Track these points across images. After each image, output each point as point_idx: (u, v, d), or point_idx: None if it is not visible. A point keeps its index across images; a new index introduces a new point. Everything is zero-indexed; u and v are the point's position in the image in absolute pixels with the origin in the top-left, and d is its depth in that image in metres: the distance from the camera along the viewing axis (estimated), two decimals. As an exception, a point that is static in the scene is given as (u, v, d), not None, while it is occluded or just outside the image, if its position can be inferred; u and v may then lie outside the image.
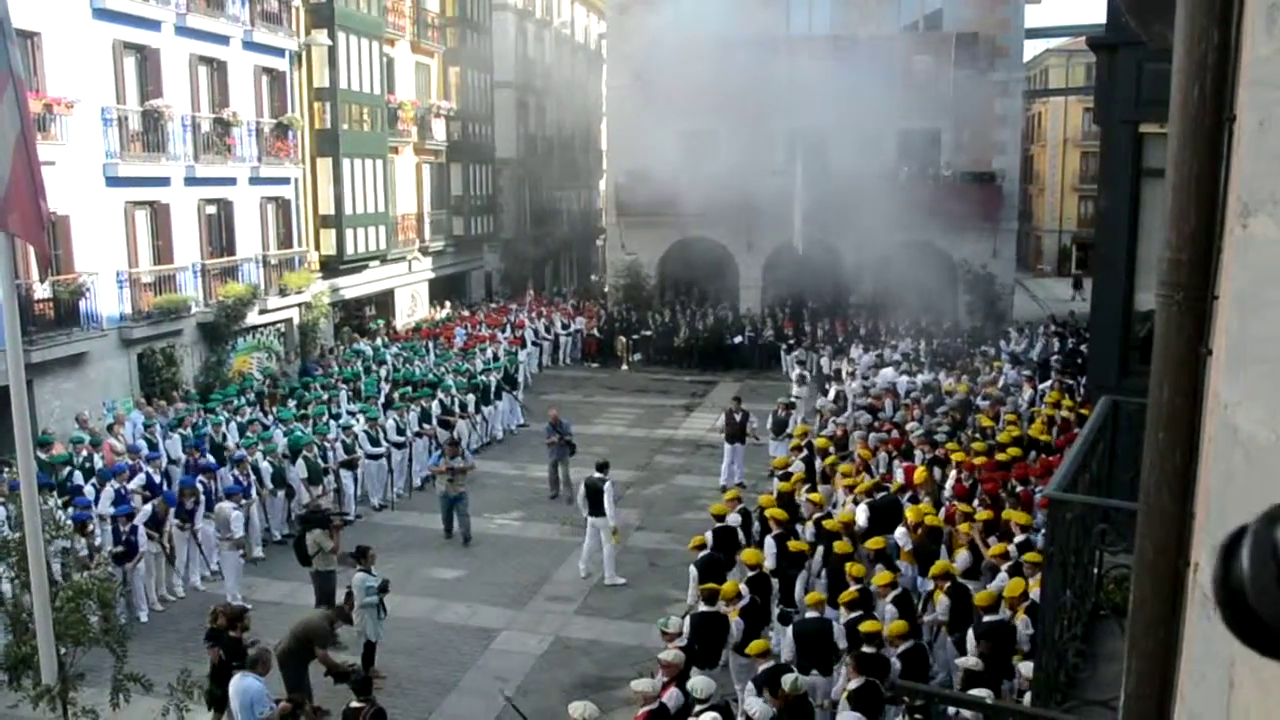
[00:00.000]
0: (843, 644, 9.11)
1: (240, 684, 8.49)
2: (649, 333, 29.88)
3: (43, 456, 13.46)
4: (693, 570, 10.79)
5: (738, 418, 18.01)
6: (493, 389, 21.55)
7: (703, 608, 9.71)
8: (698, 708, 7.81)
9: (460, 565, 14.68)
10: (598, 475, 14.03)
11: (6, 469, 13.05)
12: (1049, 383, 19.81)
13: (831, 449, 14.89)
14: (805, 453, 14.93)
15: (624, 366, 28.99)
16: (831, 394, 19.99)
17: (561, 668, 11.54)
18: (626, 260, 32.36)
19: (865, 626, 8.75)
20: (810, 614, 9.48)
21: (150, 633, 12.18)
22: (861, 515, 11.75)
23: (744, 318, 30.73)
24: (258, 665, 8.63)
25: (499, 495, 17.82)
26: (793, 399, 20.21)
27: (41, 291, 17.08)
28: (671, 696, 8.03)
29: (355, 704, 8.47)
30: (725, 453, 18.23)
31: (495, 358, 23.87)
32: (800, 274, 28.12)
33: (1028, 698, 6.15)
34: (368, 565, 11.29)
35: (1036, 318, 32.17)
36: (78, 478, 14.18)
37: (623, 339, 29.56)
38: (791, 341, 28.26)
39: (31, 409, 11.73)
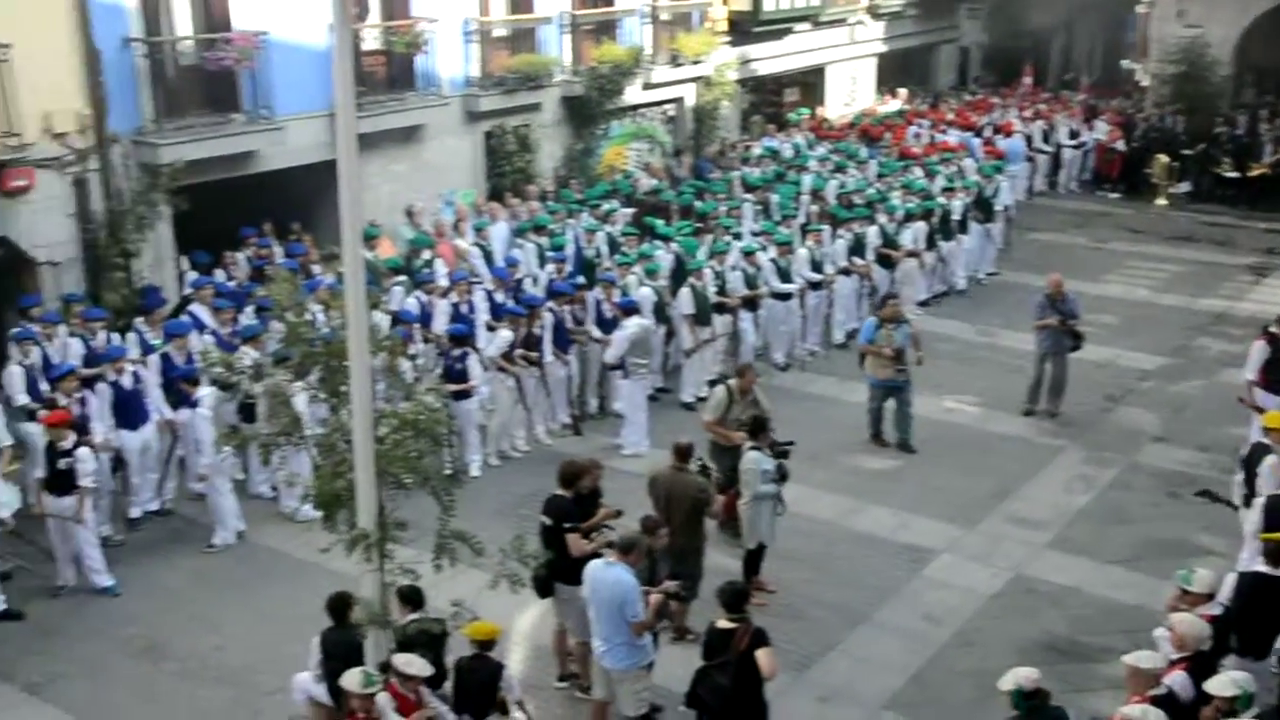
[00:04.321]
0: None
1: (605, 573, 8.91)
2: (1209, 150, 27.65)
3: (369, 255, 14.91)
4: (1256, 506, 10.37)
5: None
6: (956, 218, 21.02)
7: (1260, 566, 9.28)
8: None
9: (890, 457, 15.02)
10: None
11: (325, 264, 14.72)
12: None
13: None
14: None
15: (1160, 200, 27.86)
16: None
17: (1019, 617, 11.56)
18: (1183, 37, 29.57)
19: None
20: None
21: (478, 494, 13.27)
22: None
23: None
24: (631, 552, 8.99)
25: (953, 368, 17.58)
26: None
27: (370, 40, 18.65)
28: (1181, 682, 7.93)
29: (725, 623, 8.61)
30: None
31: (963, 173, 23.10)
32: None
33: None
34: (764, 443, 11.39)
35: None
36: (396, 293, 15.67)
37: (1163, 158, 27.76)
38: None
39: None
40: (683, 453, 10.89)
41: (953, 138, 26.68)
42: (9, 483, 11.45)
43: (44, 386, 12.71)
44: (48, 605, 11.58)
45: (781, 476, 11.34)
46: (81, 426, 12.07)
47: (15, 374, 12.82)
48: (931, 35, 33.74)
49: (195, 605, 11.65)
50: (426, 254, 17.03)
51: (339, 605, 8.72)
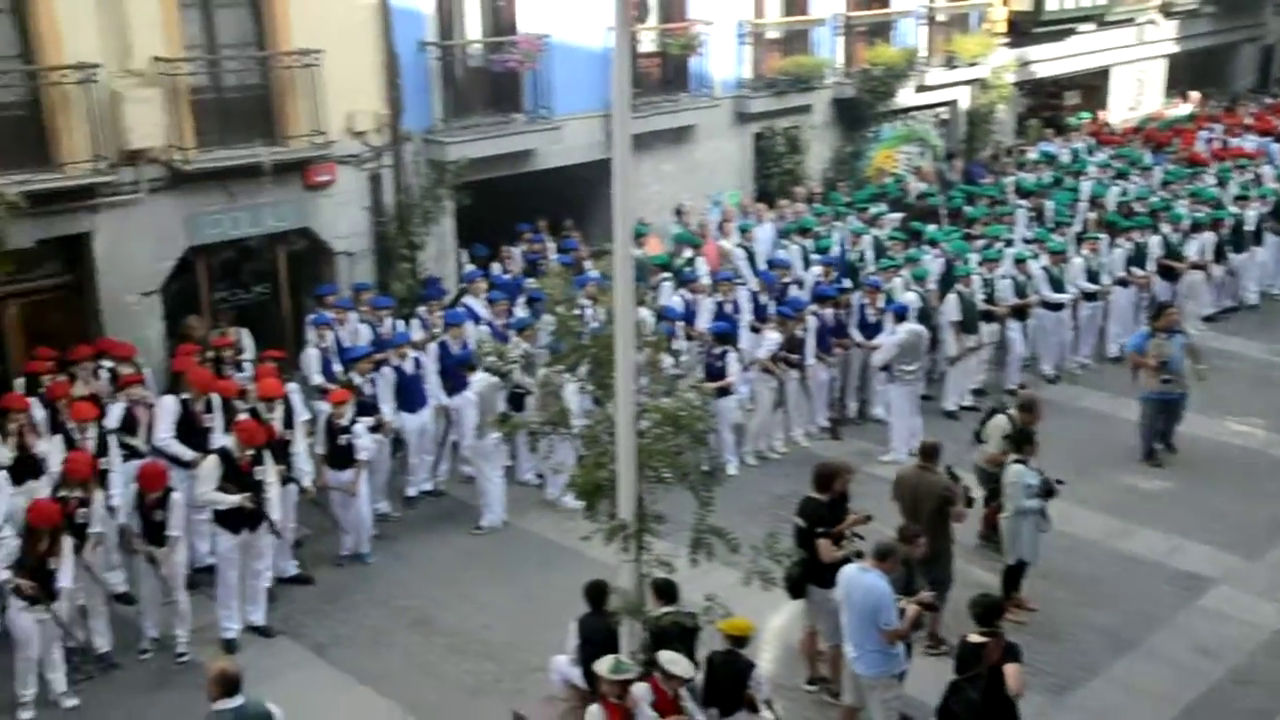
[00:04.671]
0: None
1: (860, 579, 8.87)
2: None
3: (637, 253, 15.26)
4: None
5: None
6: (1250, 228, 20.02)
7: None
8: None
9: (1163, 477, 14.45)
10: None
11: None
12: None
13: None
14: None
15: None
16: None
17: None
18: None
19: None
20: None
21: (734, 492, 13.35)
22: None
23: None
24: (887, 559, 8.92)
25: (1239, 388, 16.76)
26: None
27: (646, 43, 19.07)
28: None
29: (976, 637, 8.44)
30: None
31: (1260, 181, 21.91)
32: None
33: None
34: (1028, 456, 11.09)
35: None
36: (665, 289, 15.94)
37: None
38: None
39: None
40: (929, 452, 10.76)
41: (1249, 143, 25.16)
42: (309, 455, 12.22)
43: (336, 368, 13.58)
44: (333, 572, 12.34)
45: (1046, 492, 10.99)
46: (372, 407, 12.86)
47: (312, 356, 13.75)
48: (1231, 34, 31.92)
49: (464, 583, 12.20)
50: (688, 252, 17.30)
51: (597, 593, 8.96)
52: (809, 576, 9.70)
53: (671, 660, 8.13)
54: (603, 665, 8.05)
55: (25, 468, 10.96)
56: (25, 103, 13.11)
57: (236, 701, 7.12)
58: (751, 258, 17.64)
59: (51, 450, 11.11)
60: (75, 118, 13.07)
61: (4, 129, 12.97)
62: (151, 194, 13.95)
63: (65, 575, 9.79)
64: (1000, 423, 12.06)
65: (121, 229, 13.81)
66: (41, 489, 10.62)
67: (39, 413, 11.73)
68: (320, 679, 10.62)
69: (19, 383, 12.60)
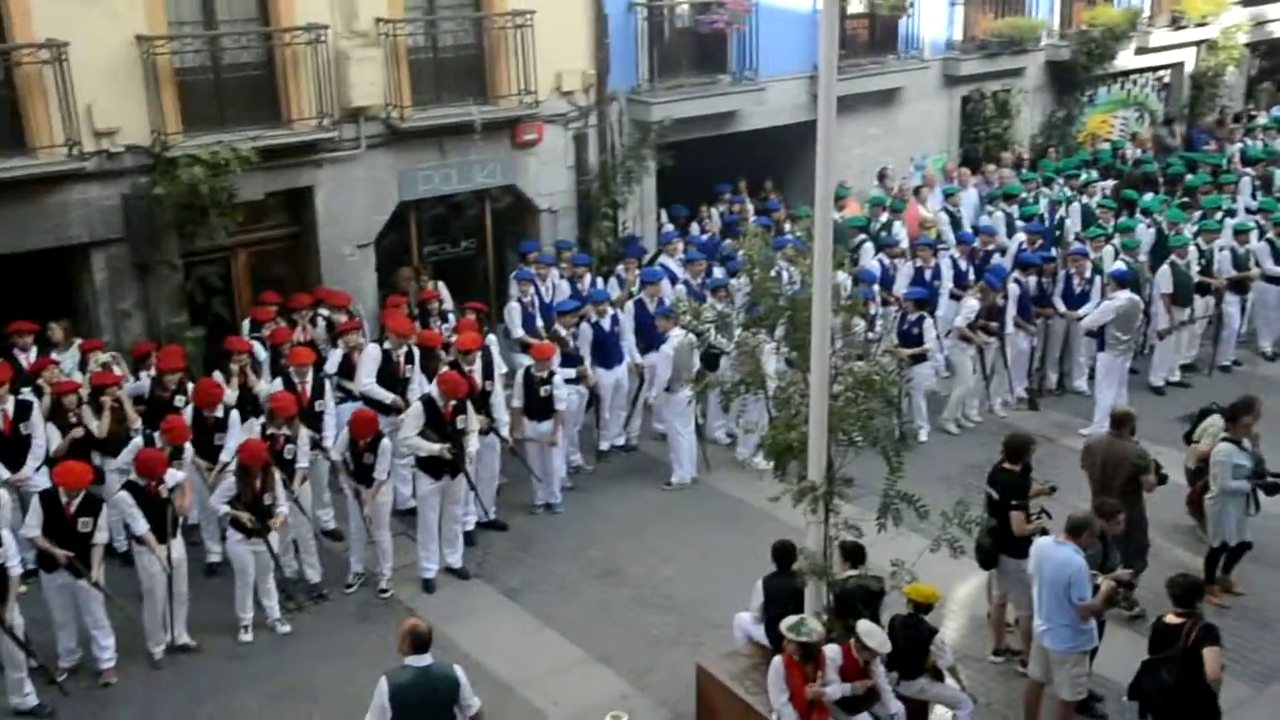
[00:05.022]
0: None
1: (1053, 552, 8.71)
2: None
3: (836, 216, 15.15)
4: None
5: None
6: None
7: None
8: None
9: None
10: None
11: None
12: None
13: None
14: None
15: None
16: None
17: None
18: None
19: None
20: None
21: (926, 459, 13.24)
22: None
23: None
24: (1081, 534, 8.75)
25: None
26: None
27: (855, 4, 18.81)
28: None
29: (1173, 618, 8.22)
30: None
31: None
32: None
33: None
34: (1239, 436, 10.66)
35: None
36: (867, 250, 15.76)
37: None
38: None
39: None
40: (1121, 420, 10.43)
41: None
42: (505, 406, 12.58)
43: (538, 323, 13.94)
44: (526, 520, 12.72)
45: (1258, 474, 10.51)
46: (575, 359, 13.22)
47: (515, 310, 14.15)
48: None
49: (651, 537, 12.40)
50: (884, 216, 17.09)
51: (784, 553, 9.00)
52: (1001, 546, 9.55)
53: (869, 633, 8.13)
54: (788, 625, 8.14)
55: (246, 407, 11.68)
56: (260, 63, 13.80)
57: (425, 660, 7.24)
58: (955, 223, 17.29)
59: (270, 391, 11.75)
60: (303, 77, 13.73)
61: (240, 87, 13.73)
62: (369, 150, 14.53)
63: (280, 508, 10.41)
64: (1215, 423, 11.48)
65: (341, 183, 14.45)
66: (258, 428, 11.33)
67: (262, 355, 12.45)
68: (510, 621, 10.97)
69: (245, 325, 13.38)
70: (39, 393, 11.38)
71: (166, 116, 12.94)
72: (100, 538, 9.79)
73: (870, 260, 15.62)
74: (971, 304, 14.32)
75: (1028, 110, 21.37)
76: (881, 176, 18.66)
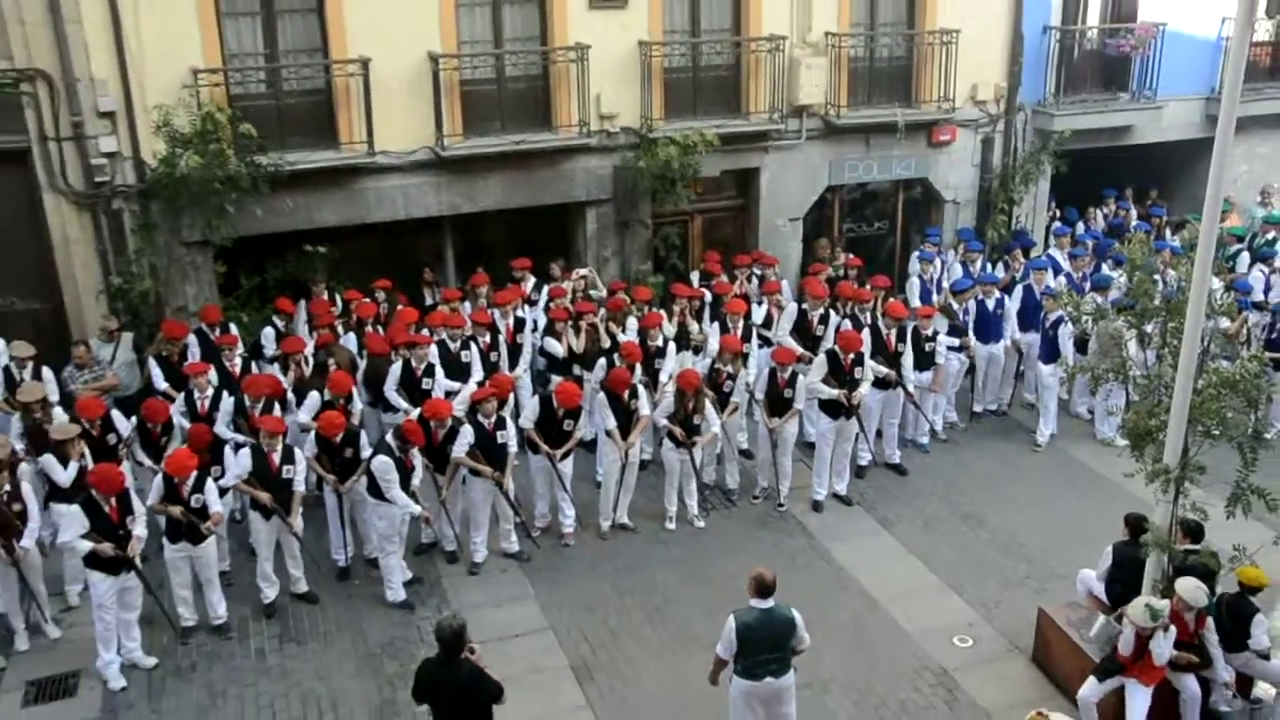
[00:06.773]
0: None
1: None
2: None
3: (1221, 226, 13.98)
4: None
5: None
6: None
7: None
8: None
9: None
10: None
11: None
12: None
13: None
14: None
15: None
16: None
17: None
18: None
19: None
20: None
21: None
22: None
23: None
24: None
25: None
26: None
27: (1260, 32, 17.17)
28: None
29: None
30: None
31: None
32: None
33: None
34: None
35: None
36: (1243, 260, 14.45)
37: None
38: None
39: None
40: None
41: None
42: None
43: (934, 298, 13.90)
44: (906, 459, 12.81)
45: None
46: (962, 330, 13.16)
47: (915, 284, 14.21)
48: None
49: (1011, 493, 12.14)
50: (1271, 234, 15.60)
51: (1137, 524, 8.62)
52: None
53: (1184, 587, 7.79)
54: (1136, 609, 7.71)
55: (682, 341, 12.39)
56: (729, 65, 14.42)
57: (768, 604, 7.31)
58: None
59: (710, 333, 12.39)
60: (762, 77, 14.23)
61: (711, 84, 14.38)
62: (807, 140, 14.89)
63: (711, 425, 10.99)
64: None
65: (782, 166, 14.90)
66: (699, 363, 12.00)
67: (709, 297, 13.09)
68: (881, 546, 11.12)
69: (694, 276, 14.13)
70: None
71: (654, 106, 13.82)
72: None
73: (1247, 271, 14.31)
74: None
75: None
76: (1264, 193, 16.99)
